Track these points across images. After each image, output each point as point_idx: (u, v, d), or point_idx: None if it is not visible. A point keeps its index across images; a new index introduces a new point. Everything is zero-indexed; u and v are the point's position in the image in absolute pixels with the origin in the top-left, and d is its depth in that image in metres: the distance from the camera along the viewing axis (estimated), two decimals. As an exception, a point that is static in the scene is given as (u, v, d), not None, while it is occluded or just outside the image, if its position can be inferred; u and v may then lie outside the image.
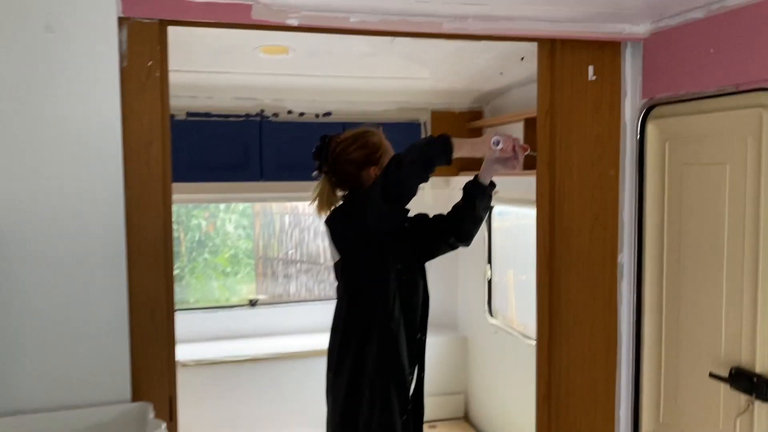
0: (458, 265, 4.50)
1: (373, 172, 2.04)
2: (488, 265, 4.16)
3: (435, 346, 3.37)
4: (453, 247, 2.24)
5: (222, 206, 4.90)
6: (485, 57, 3.12)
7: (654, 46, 2.34)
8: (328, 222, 2.13)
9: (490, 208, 2.41)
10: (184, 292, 4.80)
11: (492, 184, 2.17)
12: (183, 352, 3.19)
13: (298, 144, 3.53)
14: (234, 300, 4.87)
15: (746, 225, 1.95)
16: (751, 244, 1.93)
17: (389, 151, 2.10)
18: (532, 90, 2.50)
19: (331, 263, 2.21)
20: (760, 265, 1.91)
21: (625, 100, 2.45)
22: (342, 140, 2.08)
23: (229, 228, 5.06)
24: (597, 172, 2.42)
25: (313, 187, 2.17)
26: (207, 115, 3.69)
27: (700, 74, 2.13)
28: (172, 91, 1.96)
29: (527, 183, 2.76)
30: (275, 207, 4.91)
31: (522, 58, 3.05)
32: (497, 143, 1.93)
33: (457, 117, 4.09)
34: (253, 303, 4.51)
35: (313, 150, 2.11)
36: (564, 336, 2.44)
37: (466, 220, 2.16)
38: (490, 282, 4.18)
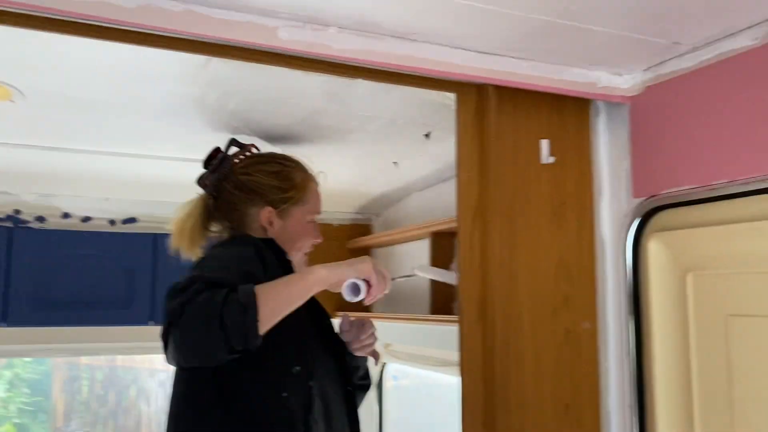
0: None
1: (266, 216, 1.43)
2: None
3: None
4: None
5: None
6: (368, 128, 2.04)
7: (648, 106, 1.37)
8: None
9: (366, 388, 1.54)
10: None
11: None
12: None
13: (75, 266, 2.38)
14: None
15: None
16: None
17: (310, 202, 1.47)
18: (445, 191, 1.82)
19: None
20: None
21: (601, 201, 1.45)
22: (254, 155, 1.52)
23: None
24: (562, 327, 1.41)
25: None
26: None
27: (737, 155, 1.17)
28: None
29: (436, 333, 2.12)
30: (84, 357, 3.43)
31: (427, 135, 2.01)
32: (356, 291, 1.20)
33: (335, 232, 2.97)
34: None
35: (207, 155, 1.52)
36: None
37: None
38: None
